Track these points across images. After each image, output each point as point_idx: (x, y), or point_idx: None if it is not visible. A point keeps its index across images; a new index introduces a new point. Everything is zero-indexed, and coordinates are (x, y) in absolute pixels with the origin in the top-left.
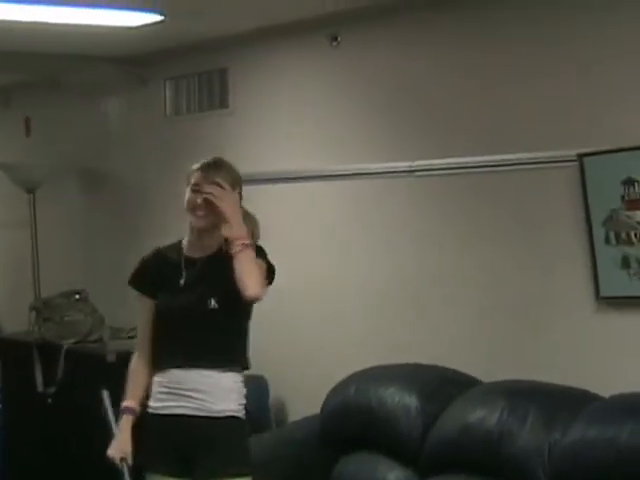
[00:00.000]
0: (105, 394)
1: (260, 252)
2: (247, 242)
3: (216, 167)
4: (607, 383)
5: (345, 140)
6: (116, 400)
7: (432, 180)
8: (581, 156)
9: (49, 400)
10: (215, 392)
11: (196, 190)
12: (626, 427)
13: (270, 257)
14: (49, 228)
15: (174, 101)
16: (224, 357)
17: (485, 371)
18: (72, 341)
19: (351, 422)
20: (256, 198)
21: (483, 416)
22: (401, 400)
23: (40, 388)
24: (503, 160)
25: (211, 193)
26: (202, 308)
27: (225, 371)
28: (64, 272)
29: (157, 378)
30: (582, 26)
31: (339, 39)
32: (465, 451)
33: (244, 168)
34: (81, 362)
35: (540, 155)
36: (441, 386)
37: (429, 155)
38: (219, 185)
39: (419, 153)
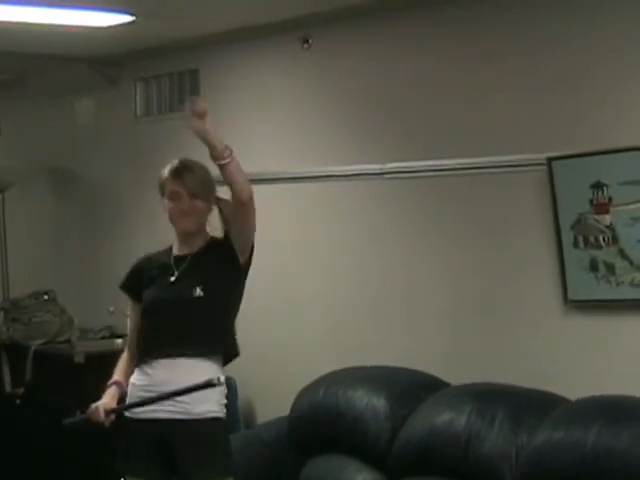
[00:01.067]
0: (67, 421)
1: None
2: (233, 155)
3: (187, 168)
4: (575, 386)
5: (316, 142)
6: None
7: (402, 183)
8: (550, 160)
9: (17, 401)
10: (196, 394)
11: (174, 198)
12: (592, 430)
13: None
14: (19, 228)
15: (145, 102)
16: (208, 346)
17: (453, 374)
18: (40, 342)
19: (320, 424)
20: None
21: (451, 419)
22: (370, 402)
23: (8, 389)
24: (473, 163)
25: (193, 126)
26: (187, 296)
27: (207, 360)
28: (33, 273)
29: (136, 381)
30: (552, 33)
31: (310, 41)
32: (433, 453)
33: (214, 170)
34: (49, 363)
35: (509, 159)
36: (410, 388)
37: (399, 158)
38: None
39: (390, 156)
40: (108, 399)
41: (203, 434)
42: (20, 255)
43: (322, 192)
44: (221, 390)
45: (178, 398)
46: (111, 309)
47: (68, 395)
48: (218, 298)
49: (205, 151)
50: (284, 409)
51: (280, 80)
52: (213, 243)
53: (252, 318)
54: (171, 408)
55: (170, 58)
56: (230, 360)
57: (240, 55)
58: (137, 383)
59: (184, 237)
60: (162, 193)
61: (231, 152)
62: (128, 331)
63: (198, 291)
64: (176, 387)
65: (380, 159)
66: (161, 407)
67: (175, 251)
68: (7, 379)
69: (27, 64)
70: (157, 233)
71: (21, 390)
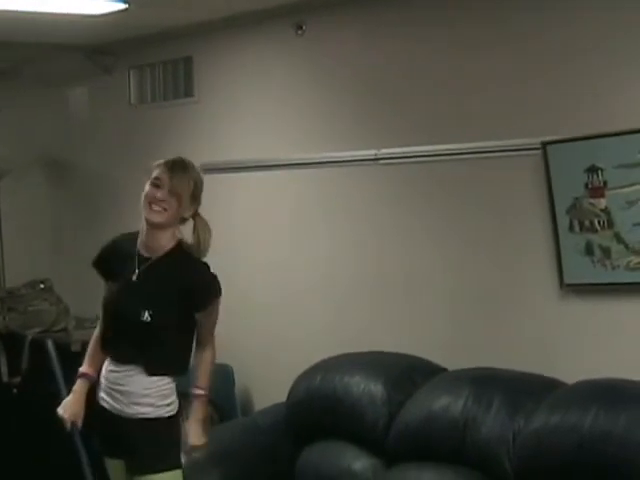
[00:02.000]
0: (50, 344)
1: (216, 287)
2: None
3: (181, 167)
4: (571, 370)
5: (310, 128)
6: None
7: (397, 168)
8: (545, 144)
9: (14, 390)
10: (130, 396)
11: (156, 184)
12: (589, 413)
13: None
14: (14, 218)
15: (139, 90)
16: (152, 366)
17: (450, 359)
18: (37, 331)
19: (317, 410)
20: (220, 187)
21: (448, 404)
22: (367, 388)
23: (5, 378)
24: (468, 148)
25: None
26: (135, 319)
27: (155, 376)
28: (29, 262)
29: (104, 369)
30: (546, 18)
31: (304, 28)
32: (431, 439)
33: (209, 156)
34: (46, 352)
35: (504, 143)
36: (407, 374)
37: (394, 143)
38: None
39: (384, 141)
40: (76, 399)
41: (133, 432)
42: (16, 244)
43: (317, 178)
44: (158, 394)
45: (117, 396)
46: None
47: (65, 384)
48: (165, 324)
49: (198, 140)
50: (281, 396)
51: (274, 67)
52: (179, 251)
53: (249, 306)
54: (113, 403)
55: (164, 46)
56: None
57: (234, 42)
58: (103, 372)
59: (150, 232)
60: (149, 178)
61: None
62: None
63: (146, 315)
64: (125, 390)
65: (375, 145)
66: (108, 400)
67: (140, 248)
68: (4, 369)
69: (20, 53)
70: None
71: (18, 379)
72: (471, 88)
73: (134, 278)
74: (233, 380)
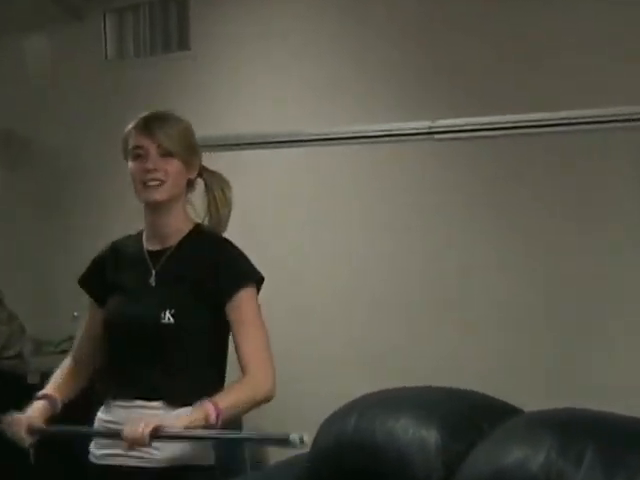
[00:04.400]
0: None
1: (244, 265)
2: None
3: (158, 118)
4: None
5: (344, 94)
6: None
7: (457, 144)
8: None
9: None
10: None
11: (139, 154)
12: None
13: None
14: None
15: (117, 41)
16: (180, 389)
17: (526, 397)
18: None
19: (351, 463)
20: (225, 168)
21: (525, 456)
22: (416, 434)
23: None
24: (550, 119)
25: None
26: (153, 322)
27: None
28: None
29: (100, 414)
30: None
31: None
32: None
33: (210, 129)
34: None
35: (600, 112)
36: (468, 416)
37: (453, 113)
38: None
39: (440, 111)
40: (35, 414)
41: None
42: None
43: (352, 158)
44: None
45: None
46: (75, 314)
47: None
48: (195, 325)
49: (195, 107)
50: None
51: (295, 12)
52: (198, 233)
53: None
54: (131, 453)
55: None
56: None
57: None
58: (101, 416)
59: (157, 217)
60: (126, 155)
61: (216, 414)
62: (77, 336)
63: (167, 316)
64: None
65: (428, 115)
66: (119, 451)
67: (148, 244)
68: None
69: None
70: (133, 214)
71: None
72: (555, 41)
73: (152, 283)
74: (240, 425)
